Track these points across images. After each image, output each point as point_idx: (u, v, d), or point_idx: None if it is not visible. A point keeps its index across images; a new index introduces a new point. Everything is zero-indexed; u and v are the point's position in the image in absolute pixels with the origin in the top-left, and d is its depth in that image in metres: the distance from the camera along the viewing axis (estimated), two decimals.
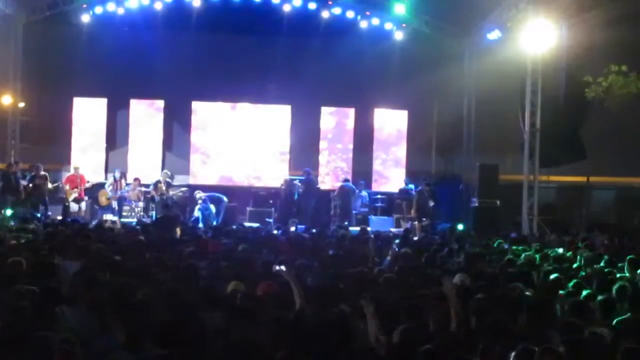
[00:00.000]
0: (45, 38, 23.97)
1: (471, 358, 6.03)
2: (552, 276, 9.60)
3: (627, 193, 26.07)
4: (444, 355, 5.91)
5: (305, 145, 25.18)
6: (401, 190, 23.76)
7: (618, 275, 10.03)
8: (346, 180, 23.68)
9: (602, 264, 11.60)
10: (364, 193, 24.02)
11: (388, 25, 24.91)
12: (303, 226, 18.96)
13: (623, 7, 20.62)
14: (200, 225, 19.71)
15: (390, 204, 23.83)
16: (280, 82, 24.40)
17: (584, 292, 8.56)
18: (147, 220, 20.50)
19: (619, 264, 11.42)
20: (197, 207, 21.91)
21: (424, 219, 21.40)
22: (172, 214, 20.10)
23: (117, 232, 15.03)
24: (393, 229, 21.36)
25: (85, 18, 23.82)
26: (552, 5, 20.20)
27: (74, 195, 22.15)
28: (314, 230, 16.90)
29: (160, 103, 25.04)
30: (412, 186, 23.31)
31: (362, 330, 6.97)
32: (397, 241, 14.89)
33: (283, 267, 8.18)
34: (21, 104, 24.14)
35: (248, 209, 23.01)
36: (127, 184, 22.76)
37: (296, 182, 23.27)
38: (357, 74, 24.16)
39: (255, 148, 25.20)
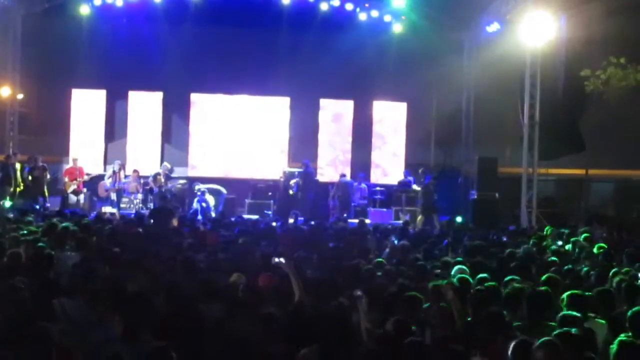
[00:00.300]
0: (44, 30, 23.90)
1: (467, 350, 6.03)
2: (551, 269, 9.61)
3: (626, 186, 26.08)
4: (439, 348, 5.92)
5: (304, 138, 25.16)
6: (400, 183, 23.76)
7: (616, 269, 10.02)
8: (343, 176, 23.67)
9: (600, 257, 11.60)
10: (363, 185, 24.01)
11: (387, 18, 24.86)
12: (302, 218, 18.95)
13: None
14: (199, 217, 19.70)
15: (389, 197, 23.82)
16: (279, 74, 24.33)
17: (583, 285, 8.57)
18: (145, 212, 20.49)
19: (618, 257, 11.43)
20: (196, 199, 21.92)
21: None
22: (168, 205, 20.10)
23: (115, 224, 15.03)
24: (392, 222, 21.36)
25: (84, 10, 23.76)
26: None
27: (73, 187, 22.14)
28: (312, 223, 16.88)
29: (159, 95, 25.00)
30: (411, 178, 23.31)
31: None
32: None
33: (282, 259, 8.19)
34: (20, 96, 24.09)
35: (247, 201, 23.00)
36: (126, 176, 22.75)
37: (295, 174, 23.24)
38: (356, 66, 24.11)
39: (254, 140, 25.18)
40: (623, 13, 20.73)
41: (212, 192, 22.36)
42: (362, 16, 24.73)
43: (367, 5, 24.67)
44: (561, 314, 6.71)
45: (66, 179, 22.30)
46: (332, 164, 25.34)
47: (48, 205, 21.07)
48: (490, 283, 8.29)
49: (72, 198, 22.12)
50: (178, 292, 7.49)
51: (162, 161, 23.92)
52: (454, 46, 24.99)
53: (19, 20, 23.79)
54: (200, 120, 25.24)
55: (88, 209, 21.77)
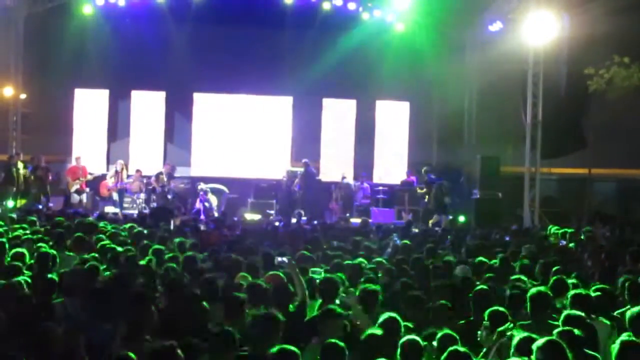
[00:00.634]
0: (46, 29, 23.95)
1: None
2: (554, 269, 9.59)
3: (629, 185, 26.02)
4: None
5: (306, 137, 25.15)
6: (403, 182, 23.74)
7: (620, 269, 10.02)
8: (344, 178, 23.63)
9: (603, 256, 11.59)
10: (366, 185, 24.00)
11: (390, 17, 24.85)
12: (305, 218, 18.97)
13: None
14: (202, 217, 19.71)
15: (391, 196, 23.81)
16: (282, 74, 24.35)
17: (586, 285, 8.55)
18: (147, 212, 20.49)
19: (621, 257, 11.42)
20: (198, 198, 21.92)
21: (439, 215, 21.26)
22: (169, 205, 20.13)
23: (118, 223, 15.02)
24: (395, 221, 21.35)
25: (87, 9, 23.78)
26: None
27: (76, 186, 22.16)
28: (315, 222, 16.88)
29: (161, 94, 25.01)
30: (413, 178, 23.29)
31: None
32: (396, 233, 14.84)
33: (285, 259, 8.19)
34: (23, 96, 24.12)
35: (249, 200, 22.99)
36: (128, 176, 22.75)
37: (297, 174, 23.21)
38: (358, 66, 24.11)
39: (256, 140, 25.18)
40: (626, 12, 20.69)
41: (214, 191, 22.37)
42: (365, 15, 24.72)
43: (370, 4, 24.66)
44: (565, 313, 6.70)
45: (69, 179, 22.32)
46: (335, 164, 25.30)
47: (51, 205, 21.09)
48: (492, 282, 8.28)
49: (75, 198, 22.14)
50: (181, 292, 7.49)
51: (164, 161, 23.93)
52: (456, 45, 24.96)
53: (21, 20, 23.81)
54: (202, 120, 25.24)
55: (91, 208, 21.77)
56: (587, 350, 5.92)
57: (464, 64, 25.42)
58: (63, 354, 5.65)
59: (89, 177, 22.61)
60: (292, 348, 5.22)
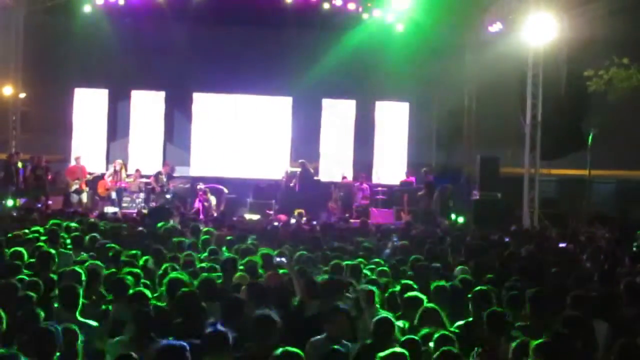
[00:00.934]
0: (46, 29, 23.94)
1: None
2: (554, 270, 9.60)
3: (629, 186, 26.00)
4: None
5: (306, 137, 25.17)
6: (402, 183, 23.73)
7: (620, 270, 10.03)
8: (344, 178, 23.62)
9: (603, 257, 11.60)
10: (365, 185, 23.99)
11: (390, 17, 24.84)
12: (305, 218, 18.94)
13: None
14: (201, 216, 19.70)
15: (391, 196, 23.80)
16: (282, 74, 24.34)
17: (586, 286, 8.56)
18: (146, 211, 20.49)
19: (621, 258, 11.42)
20: (198, 198, 21.92)
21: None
22: (167, 205, 20.13)
23: (118, 223, 15.01)
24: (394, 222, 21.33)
25: (87, 9, 23.75)
26: None
27: (75, 186, 22.16)
28: (314, 222, 16.88)
29: (161, 94, 25.01)
30: (413, 178, 23.29)
31: (363, 322, 6.99)
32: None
33: (284, 259, 8.18)
34: (22, 95, 24.09)
35: (248, 200, 22.99)
36: (127, 175, 22.75)
37: (296, 174, 23.20)
38: (358, 66, 24.12)
39: (256, 140, 25.21)
40: (626, 13, 20.70)
41: (213, 191, 22.36)
42: (365, 16, 24.71)
43: (369, 4, 24.64)
44: (564, 314, 6.71)
45: (68, 178, 22.31)
46: (334, 164, 25.31)
47: (50, 203, 21.09)
48: (492, 283, 8.28)
49: (75, 197, 22.13)
50: (182, 291, 7.48)
51: (164, 160, 23.93)
52: (456, 46, 24.96)
53: (21, 19, 23.78)
54: (202, 120, 25.26)
55: (90, 208, 21.78)
56: (585, 352, 5.93)
57: (464, 65, 25.43)
58: (62, 353, 5.65)
59: (89, 176, 22.61)
60: (296, 350, 5.20)
